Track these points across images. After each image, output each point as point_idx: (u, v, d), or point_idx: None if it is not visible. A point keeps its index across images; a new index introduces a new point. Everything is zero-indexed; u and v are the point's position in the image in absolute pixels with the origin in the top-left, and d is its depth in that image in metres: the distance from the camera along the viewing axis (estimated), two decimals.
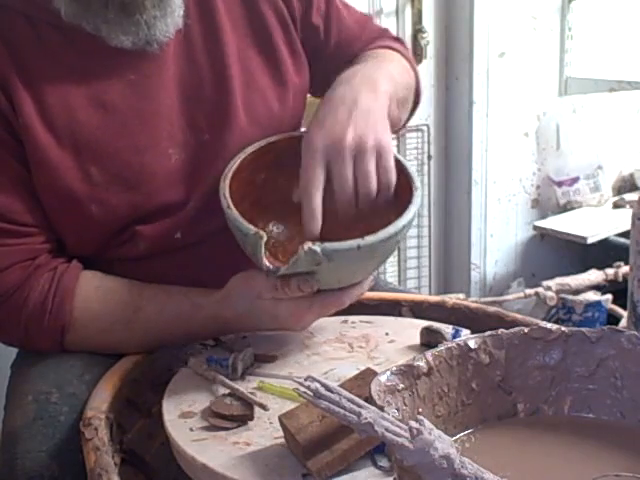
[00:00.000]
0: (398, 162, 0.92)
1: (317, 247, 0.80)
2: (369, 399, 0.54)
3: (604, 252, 2.32)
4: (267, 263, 0.83)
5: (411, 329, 0.96)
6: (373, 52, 1.09)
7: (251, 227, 0.85)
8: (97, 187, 0.92)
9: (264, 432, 0.77)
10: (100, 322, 0.93)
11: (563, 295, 2.15)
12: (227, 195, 0.89)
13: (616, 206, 2.53)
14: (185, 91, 0.97)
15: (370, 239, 0.82)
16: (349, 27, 1.12)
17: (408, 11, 2.31)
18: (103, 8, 0.88)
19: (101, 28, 0.90)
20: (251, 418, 0.79)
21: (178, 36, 0.97)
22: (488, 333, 0.63)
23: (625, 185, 2.64)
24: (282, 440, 0.74)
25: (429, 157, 2.42)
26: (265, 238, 0.83)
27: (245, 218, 0.86)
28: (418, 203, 0.89)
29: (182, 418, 0.80)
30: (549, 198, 2.55)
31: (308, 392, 0.52)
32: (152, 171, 0.94)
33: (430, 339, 0.92)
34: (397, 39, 1.17)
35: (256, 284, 0.89)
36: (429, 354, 0.60)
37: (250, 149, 0.95)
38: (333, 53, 1.11)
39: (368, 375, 0.77)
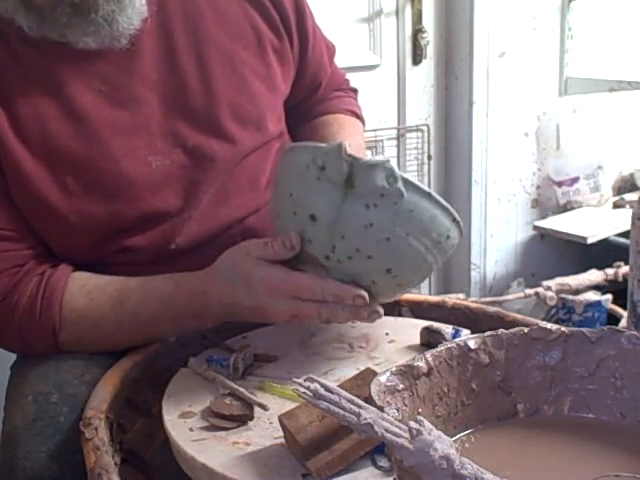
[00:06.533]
0: None
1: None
2: (369, 399, 0.54)
3: (604, 252, 2.31)
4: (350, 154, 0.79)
5: (411, 329, 0.96)
6: (340, 119, 1.19)
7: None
8: (74, 197, 0.92)
9: (264, 432, 0.77)
10: (88, 319, 0.92)
11: (563, 295, 2.14)
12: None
13: (616, 206, 2.52)
14: (167, 99, 0.96)
15: (438, 196, 0.82)
16: (322, 55, 1.17)
17: (408, 11, 2.31)
18: (55, 14, 0.87)
19: (65, 33, 0.89)
20: (251, 418, 0.79)
21: (158, 43, 0.96)
22: (488, 333, 0.63)
23: (625, 185, 2.64)
24: (282, 440, 0.74)
25: (429, 157, 2.42)
26: (348, 143, 0.80)
27: None
28: None
29: (182, 418, 0.80)
30: (549, 198, 2.55)
31: (307, 392, 0.52)
32: (130, 178, 0.93)
33: (430, 339, 0.92)
34: (353, 90, 1.28)
35: (244, 247, 0.87)
36: (429, 354, 0.60)
37: None
38: (308, 78, 1.15)
39: (368, 375, 0.77)
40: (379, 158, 0.80)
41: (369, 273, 0.83)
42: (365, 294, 0.83)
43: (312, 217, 0.81)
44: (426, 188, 0.81)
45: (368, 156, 0.89)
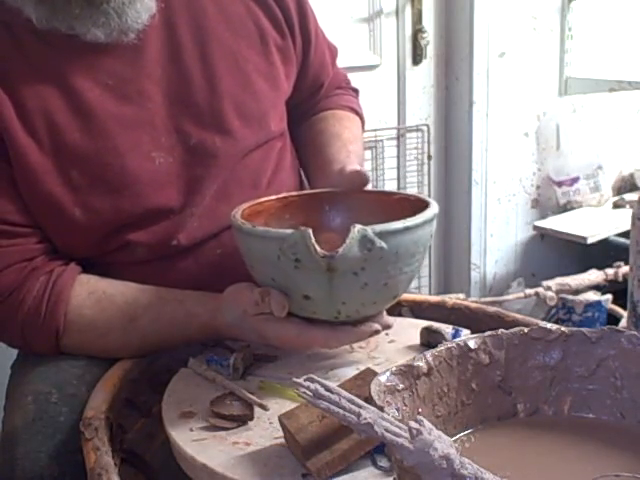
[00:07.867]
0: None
1: (367, 228, 0.78)
2: (369, 399, 0.54)
3: (604, 252, 2.31)
4: (322, 250, 0.78)
5: (411, 329, 0.96)
6: (338, 114, 1.19)
7: (287, 230, 0.80)
8: (79, 191, 0.92)
9: (264, 432, 0.77)
10: (96, 329, 0.93)
11: (563, 295, 2.14)
12: (238, 216, 0.88)
13: (616, 206, 2.52)
14: (171, 95, 0.97)
15: (412, 220, 0.82)
16: (324, 55, 1.17)
17: (408, 11, 2.31)
18: (67, 5, 0.88)
19: (74, 25, 0.89)
20: (251, 418, 0.79)
21: (163, 39, 0.97)
22: (488, 333, 0.62)
23: (625, 185, 2.64)
24: (282, 440, 0.74)
25: (429, 157, 2.42)
26: (310, 229, 0.78)
27: None
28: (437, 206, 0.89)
29: (182, 418, 0.80)
30: (549, 198, 2.55)
31: (307, 392, 0.52)
32: (135, 174, 0.94)
33: (430, 339, 0.92)
34: (354, 89, 1.28)
35: (242, 299, 0.88)
36: (429, 354, 0.60)
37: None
38: (310, 79, 1.15)
39: (368, 375, 0.77)
40: (351, 234, 0.78)
41: (378, 309, 0.88)
42: (379, 327, 0.88)
43: (305, 297, 0.83)
44: (399, 224, 0.80)
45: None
